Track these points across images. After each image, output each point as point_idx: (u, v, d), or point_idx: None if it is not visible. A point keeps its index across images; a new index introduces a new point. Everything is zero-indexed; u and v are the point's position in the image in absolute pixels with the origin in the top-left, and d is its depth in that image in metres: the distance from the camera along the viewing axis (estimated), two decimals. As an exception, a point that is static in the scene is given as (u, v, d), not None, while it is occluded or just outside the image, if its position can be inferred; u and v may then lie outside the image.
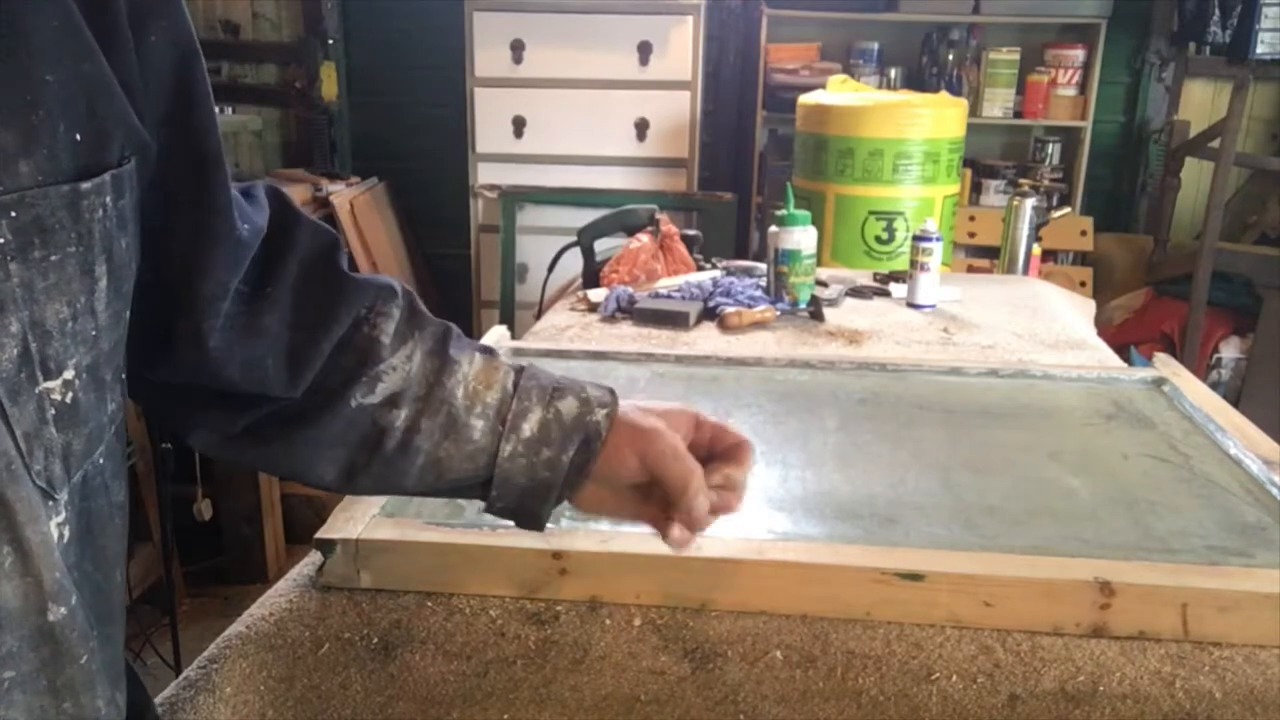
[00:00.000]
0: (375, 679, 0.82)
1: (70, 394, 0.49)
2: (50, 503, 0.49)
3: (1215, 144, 3.39)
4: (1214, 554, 0.96)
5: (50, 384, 0.48)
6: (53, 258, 0.47)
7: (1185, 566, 0.92)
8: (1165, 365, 1.48)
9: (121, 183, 0.51)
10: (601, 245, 2.17)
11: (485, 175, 3.52)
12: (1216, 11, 3.31)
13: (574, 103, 3.41)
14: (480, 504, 0.73)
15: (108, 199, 0.50)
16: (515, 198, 3.48)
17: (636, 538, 0.96)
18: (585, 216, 2.24)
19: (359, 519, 0.94)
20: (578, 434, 0.71)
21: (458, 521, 0.95)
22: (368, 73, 3.88)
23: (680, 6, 3.31)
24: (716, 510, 0.73)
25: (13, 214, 0.45)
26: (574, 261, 2.19)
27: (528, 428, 0.71)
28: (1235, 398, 3.33)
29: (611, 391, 0.75)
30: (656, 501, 0.73)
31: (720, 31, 3.71)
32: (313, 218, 0.73)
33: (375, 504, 0.97)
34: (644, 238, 2.12)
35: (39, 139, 0.46)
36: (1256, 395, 3.35)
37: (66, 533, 0.51)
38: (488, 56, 3.40)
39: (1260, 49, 3.22)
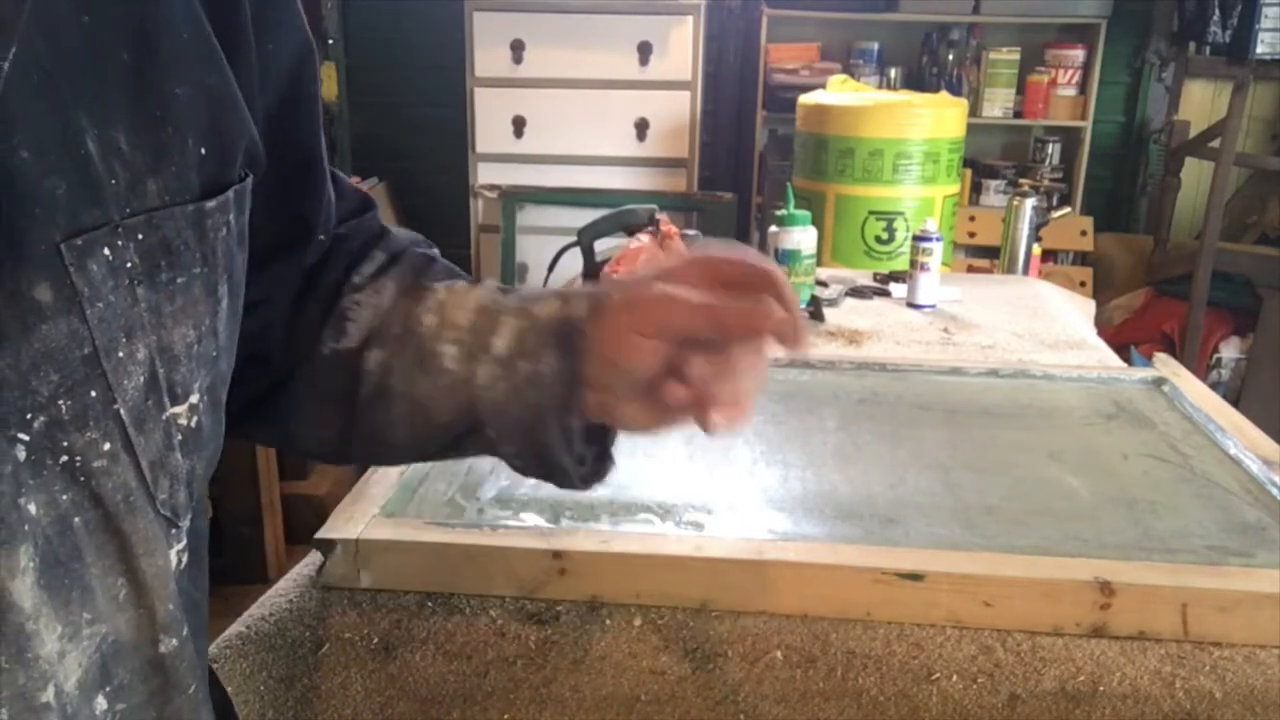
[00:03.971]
0: (375, 679, 0.82)
1: (195, 418, 0.48)
2: (174, 530, 0.48)
3: (1215, 144, 3.39)
4: (1214, 554, 0.95)
5: (177, 409, 0.47)
6: (179, 280, 0.45)
7: (1185, 566, 0.91)
8: (1165, 365, 1.48)
9: (242, 199, 0.50)
10: (601, 245, 2.17)
11: (485, 175, 3.52)
12: (1216, 11, 3.31)
13: (574, 103, 3.41)
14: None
15: (230, 216, 0.48)
16: (515, 198, 3.48)
17: (637, 538, 0.96)
18: (585, 216, 2.24)
19: (359, 519, 0.94)
20: (552, 335, 0.58)
21: (458, 521, 0.95)
22: (368, 73, 3.88)
23: (680, 6, 3.31)
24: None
25: (140, 236, 0.43)
26: (574, 261, 2.18)
27: (500, 342, 0.59)
28: (1235, 398, 3.33)
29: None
30: (683, 391, 0.55)
31: (720, 31, 3.71)
32: (366, 193, 0.72)
33: (375, 504, 0.97)
34: (644, 238, 2.12)
35: (168, 156, 0.44)
36: (1256, 395, 3.35)
37: (185, 559, 0.49)
38: (488, 56, 3.40)
39: (1260, 49, 3.22)
